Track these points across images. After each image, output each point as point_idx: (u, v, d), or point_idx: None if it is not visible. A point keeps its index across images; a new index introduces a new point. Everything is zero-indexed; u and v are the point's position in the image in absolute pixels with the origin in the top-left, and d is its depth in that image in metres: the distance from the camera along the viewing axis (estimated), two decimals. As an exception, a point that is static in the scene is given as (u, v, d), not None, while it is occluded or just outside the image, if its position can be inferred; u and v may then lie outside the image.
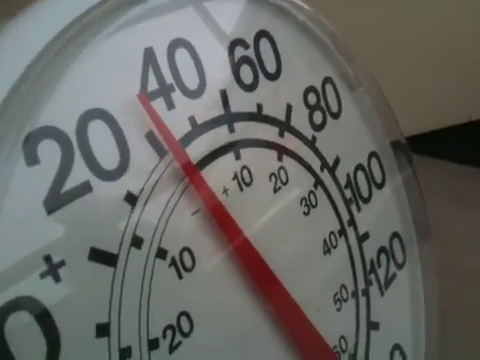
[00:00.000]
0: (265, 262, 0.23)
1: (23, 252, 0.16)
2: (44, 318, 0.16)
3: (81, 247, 0.18)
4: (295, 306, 0.24)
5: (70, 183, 0.18)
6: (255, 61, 0.26)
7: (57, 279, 0.17)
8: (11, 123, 0.16)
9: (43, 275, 0.17)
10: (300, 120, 0.27)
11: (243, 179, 0.24)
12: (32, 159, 0.17)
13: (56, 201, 0.17)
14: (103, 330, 0.18)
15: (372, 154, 0.32)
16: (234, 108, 0.24)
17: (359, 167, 0.30)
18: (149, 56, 0.21)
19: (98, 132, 0.19)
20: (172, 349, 0.20)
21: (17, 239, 0.16)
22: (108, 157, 0.19)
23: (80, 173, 0.18)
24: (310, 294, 0.26)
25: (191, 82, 0.23)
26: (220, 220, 0.22)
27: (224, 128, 0.24)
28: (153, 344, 0.19)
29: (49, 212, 0.17)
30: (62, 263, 0.17)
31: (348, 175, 0.30)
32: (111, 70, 0.20)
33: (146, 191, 0.20)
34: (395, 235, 0.32)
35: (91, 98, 0.19)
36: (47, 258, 0.17)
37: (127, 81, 0.20)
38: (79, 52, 0.19)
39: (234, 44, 0.25)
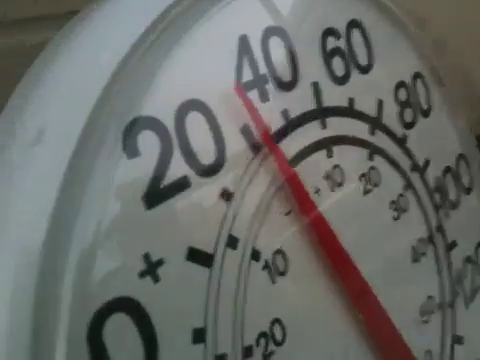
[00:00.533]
0: (357, 269, 0.22)
1: (122, 250, 0.15)
2: (143, 320, 0.15)
3: (179, 246, 0.17)
4: (385, 317, 0.23)
5: (169, 177, 0.17)
6: (347, 52, 0.24)
7: (156, 279, 0.16)
8: (111, 113, 0.15)
9: (142, 275, 0.16)
10: (391, 117, 0.26)
11: (335, 178, 0.23)
12: (133, 151, 0.16)
13: (156, 196, 0.16)
14: (199, 335, 0.17)
15: (460, 156, 0.30)
16: (326, 102, 0.23)
17: (448, 170, 0.29)
18: (244, 44, 0.20)
19: (195, 124, 0.18)
20: (265, 358, 0.18)
21: (117, 236, 0.15)
22: (205, 151, 0.18)
23: (179, 167, 0.17)
24: (397, 304, 0.24)
25: (284, 73, 0.21)
26: (313, 222, 0.21)
27: (316, 123, 0.22)
28: (247, 352, 0.18)
29: (148, 207, 0.16)
30: (161, 262, 0.16)
31: (437, 178, 0.28)
32: (207, 59, 0.19)
33: (241, 188, 0.19)
34: (481, 245, 0.30)
35: (189, 88, 0.18)
36: (146, 256, 0.16)
37: (223, 71, 0.19)
38: (175, 41, 0.18)
39: (326, 34, 0.24)
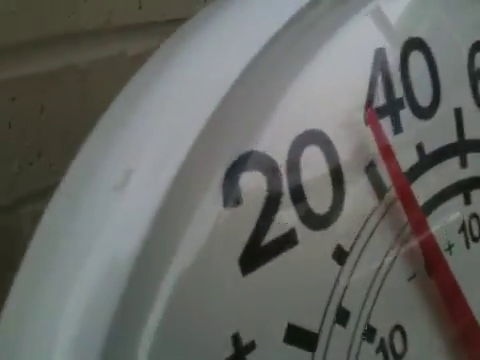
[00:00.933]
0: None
1: (211, 326, 0.12)
2: None
3: (277, 323, 0.13)
4: None
5: (274, 232, 0.13)
6: (500, 72, 0.19)
7: (243, 369, 0.12)
8: (210, 152, 0.12)
9: (227, 361, 0.12)
10: None
11: (471, 232, 0.18)
12: (232, 197, 0.12)
13: (254, 258, 0.12)
14: None
15: None
16: (469, 134, 0.18)
17: None
18: (380, 59, 0.16)
19: (311, 161, 0.14)
20: None
21: (206, 309, 0.12)
22: (320, 196, 0.14)
23: (287, 217, 0.13)
24: None
25: (424, 97, 0.17)
26: (445, 290, 0.16)
27: (455, 161, 0.18)
28: None
29: (244, 272, 0.12)
30: (252, 346, 0.12)
31: None
32: (333, 81, 0.15)
33: (359, 244, 0.15)
34: None
35: (308, 117, 0.14)
36: (235, 338, 0.12)
37: (352, 93, 0.15)
38: (297, 62, 0.14)
39: (476, 48, 0.19)
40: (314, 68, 0.14)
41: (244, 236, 0.12)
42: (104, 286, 0.10)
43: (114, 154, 0.11)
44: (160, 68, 0.12)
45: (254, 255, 0.12)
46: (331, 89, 0.14)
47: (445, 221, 0.17)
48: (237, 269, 0.12)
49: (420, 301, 0.16)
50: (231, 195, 0.12)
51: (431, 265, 0.16)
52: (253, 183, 0.12)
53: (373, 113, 0.15)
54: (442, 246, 0.17)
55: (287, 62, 0.13)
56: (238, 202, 0.12)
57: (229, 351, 0.12)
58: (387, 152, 0.15)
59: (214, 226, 0.12)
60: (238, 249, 0.12)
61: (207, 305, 0.12)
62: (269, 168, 0.13)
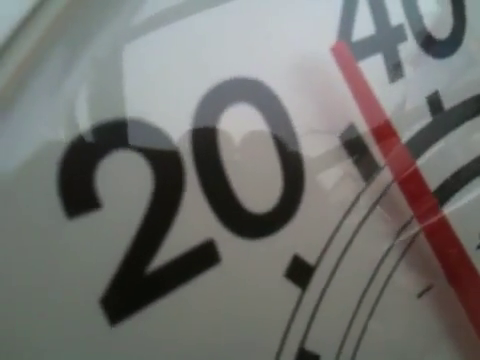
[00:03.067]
0: None
1: None
2: None
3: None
4: None
5: (170, 250, 0.08)
6: None
7: None
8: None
9: None
10: None
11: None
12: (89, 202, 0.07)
13: (128, 298, 0.08)
14: None
15: None
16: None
17: None
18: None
19: (239, 129, 0.09)
20: None
21: None
22: (259, 186, 0.09)
23: (196, 223, 0.08)
24: None
25: (439, 25, 0.11)
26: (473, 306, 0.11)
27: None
28: None
29: (112, 323, 0.07)
30: None
31: None
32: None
33: (332, 254, 0.10)
34: None
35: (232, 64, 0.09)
36: None
37: (314, 27, 0.10)
38: None
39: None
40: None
41: (111, 261, 0.08)
42: None
43: None
44: None
45: (126, 293, 0.08)
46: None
47: (472, 210, 0.12)
48: (100, 318, 0.07)
49: (437, 325, 0.11)
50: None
51: (451, 272, 0.11)
52: (124, 176, 0.08)
53: (343, 48, 0.09)
54: (469, 243, 0.11)
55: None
56: (96, 206, 0.07)
57: None
58: (373, 110, 0.10)
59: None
60: (99, 287, 0.07)
61: None
62: (155, 146, 0.08)
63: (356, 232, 0.10)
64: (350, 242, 0.10)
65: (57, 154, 0.07)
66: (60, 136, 0.08)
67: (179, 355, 0.08)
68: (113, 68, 0.08)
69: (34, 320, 0.07)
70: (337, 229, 0.10)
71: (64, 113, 0.08)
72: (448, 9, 0.12)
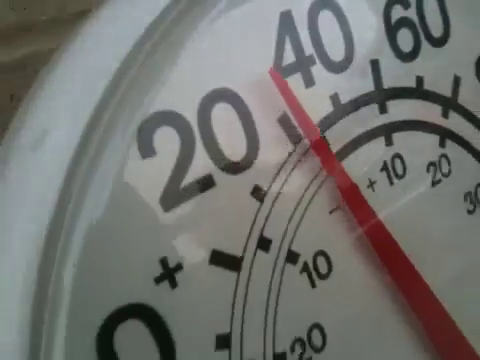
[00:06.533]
0: (417, 272, 0.19)
1: (137, 254, 0.15)
2: (158, 328, 0.15)
3: (202, 249, 0.16)
4: (449, 321, 0.20)
5: (191, 176, 0.16)
6: (417, 23, 0.21)
7: (173, 285, 0.15)
8: (121, 109, 0.15)
9: (158, 280, 0.15)
10: (470, 96, 0.22)
11: (394, 170, 0.20)
12: (148, 150, 0.15)
13: (174, 197, 0.15)
14: (223, 341, 0.16)
15: None
16: (388, 83, 0.20)
17: None
18: (286, 22, 0.18)
19: (223, 117, 0.17)
20: (301, 367, 0.17)
21: (131, 240, 0.15)
22: (234, 146, 0.17)
23: (202, 165, 0.16)
24: (469, 308, 0.21)
25: (336, 52, 0.19)
26: (362, 220, 0.19)
27: (374, 108, 0.20)
28: (279, 359, 0.17)
29: (166, 210, 0.15)
30: (179, 267, 0.15)
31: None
32: (239, 42, 0.17)
33: (276, 185, 0.17)
34: None
35: (216, 77, 0.17)
36: (163, 261, 0.15)
37: (258, 55, 0.18)
38: (197, 24, 0.16)
39: (392, 3, 0.21)
40: (211, 36, 0.16)
41: (162, 180, 0.15)
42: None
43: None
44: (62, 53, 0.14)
45: (173, 196, 0.15)
46: (236, 53, 0.17)
47: (365, 162, 0.19)
48: (159, 207, 0.15)
49: (344, 231, 0.19)
50: (145, 148, 0.15)
51: (348, 199, 0.18)
52: (166, 137, 0.15)
53: (274, 72, 0.17)
54: (362, 183, 0.19)
55: (183, 29, 0.16)
56: (152, 154, 0.15)
57: (157, 272, 0.15)
58: (294, 105, 0.18)
59: (131, 175, 0.15)
60: (158, 191, 0.15)
61: (130, 238, 0.15)
62: (180, 123, 0.16)
63: (291, 172, 0.18)
64: (288, 177, 0.18)
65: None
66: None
67: (197, 230, 0.16)
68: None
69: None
70: (279, 170, 0.18)
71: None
72: (340, 39, 0.20)
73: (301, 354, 0.18)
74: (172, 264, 0.15)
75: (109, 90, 0.14)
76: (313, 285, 0.18)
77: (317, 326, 0.18)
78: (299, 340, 0.18)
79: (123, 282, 0.15)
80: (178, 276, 0.15)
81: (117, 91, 0.14)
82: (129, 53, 0.14)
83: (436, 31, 0.22)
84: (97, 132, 0.14)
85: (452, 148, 0.22)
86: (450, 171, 0.22)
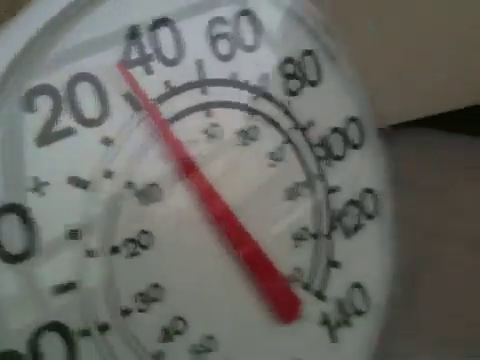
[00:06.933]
0: (226, 205, 0.29)
1: (17, 173, 0.23)
2: (29, 220, 0.24)
3: (62, 174, 0.25)
4: (249, 238, 0.30)
5: (58, 127, 0.25)
6: (233, 36, 0.31)
7: (42, 194, 0.24)
8: (14, 83, 0.23)
9: (31, 190, 0.24)
10: (275, 86, 0.32)
11: (213, 133, 0.30)
12: (30, 108, 0.24)
13: (46, 138, 0.24)
14: (74, 234, 0.25)
15: (352, 119, 0.36)
16: (209, 75, 0.30)
17: (336, 130, 0.35)
18: (133, 33, 0.27)
19: (85, 90, 0.26)
20: (131, 256, 0.26)
21: (13, 163, 0.23)
22: (91, 110, 0.26)
23: (66, 121, 0.25)
24: (268, 230, 0.31)
25: (169, 53, 0.29)
26: (185, 164, 0.28)
27: (197, 91, 0.30)
28: (115, 250, 0.26)
29: (39, 146, 0.24)
30: (46, 183, 0.24)
31: (322, 136, 0.34)
32: (99, 40, 0.26)
33: (120, 137, 0.27)
34: (368, 190, 0.36)
35: (82, 63, 0.26)
36: (35, 178, 0.24)
37: (112, 51, 0.27)
38: (74, 24, 0.26)
39: (214, 22, 0.30)
40: (79, 35, 0.25)
41: (39, 127, 0.24)
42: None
43: None
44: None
45: (45, 137, 0.24)
46: (97, 48, 0.26)
47: (189, 126, 0.29)
48: (34, 144, 0.24)
49: (173, 171, 0.28)
50: (28, 106, 0.24)
51: (174, 152, 0.28)
52: (43, 100, 0.24)
53: (122, 65, 0.27)
54: (188, 140, 0.29)
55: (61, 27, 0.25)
56: (33, 110, 0.24)
57: (32, 184, 0.24)
58: (134, 85, 0.27)
59: (17, 123, 0.23)
60: (35, 134, 0.24)
61: (14, 165, 0.23)
62: (53, 92, 0.24)
63: (134, 128, 0.27)
64: (131, 132, 0.27)
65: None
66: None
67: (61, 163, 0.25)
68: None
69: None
70: (125, 126, 0.27)
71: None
72: (173, 44, 0.29)
73: (132, 249, 0.27)
74: (41, 181, 0.24)
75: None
76: (146, 204, 0.27)
77: (145, 232, 0.27)
78: (132, 240, 0.26)
79: (7, 189, 0.24)
80: (45, 189, 0.24)
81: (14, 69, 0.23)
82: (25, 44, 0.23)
83: (249, 41, 0.32)
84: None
85: (259, 122, 0.32)
86: (256, 137, 0.31)
